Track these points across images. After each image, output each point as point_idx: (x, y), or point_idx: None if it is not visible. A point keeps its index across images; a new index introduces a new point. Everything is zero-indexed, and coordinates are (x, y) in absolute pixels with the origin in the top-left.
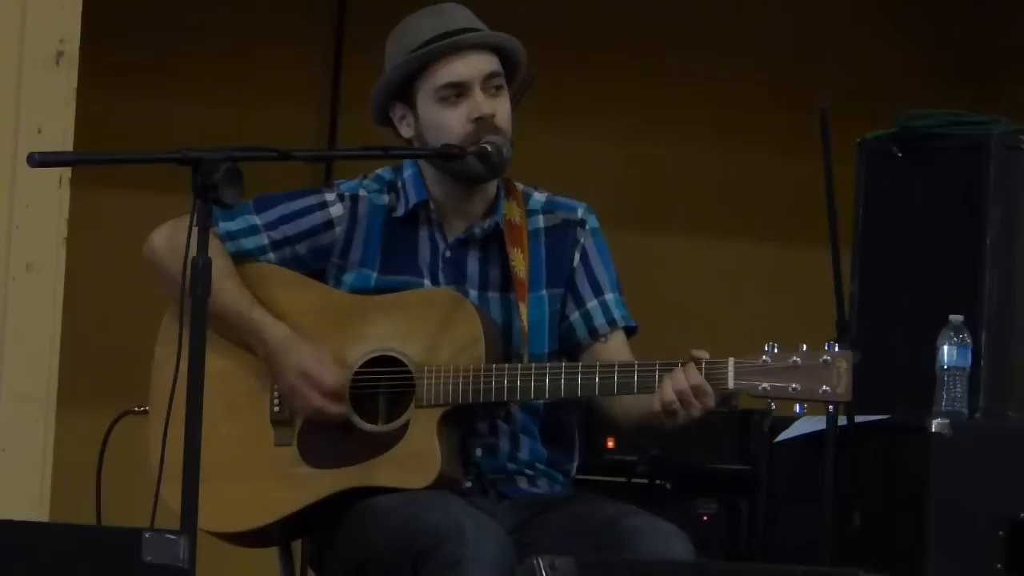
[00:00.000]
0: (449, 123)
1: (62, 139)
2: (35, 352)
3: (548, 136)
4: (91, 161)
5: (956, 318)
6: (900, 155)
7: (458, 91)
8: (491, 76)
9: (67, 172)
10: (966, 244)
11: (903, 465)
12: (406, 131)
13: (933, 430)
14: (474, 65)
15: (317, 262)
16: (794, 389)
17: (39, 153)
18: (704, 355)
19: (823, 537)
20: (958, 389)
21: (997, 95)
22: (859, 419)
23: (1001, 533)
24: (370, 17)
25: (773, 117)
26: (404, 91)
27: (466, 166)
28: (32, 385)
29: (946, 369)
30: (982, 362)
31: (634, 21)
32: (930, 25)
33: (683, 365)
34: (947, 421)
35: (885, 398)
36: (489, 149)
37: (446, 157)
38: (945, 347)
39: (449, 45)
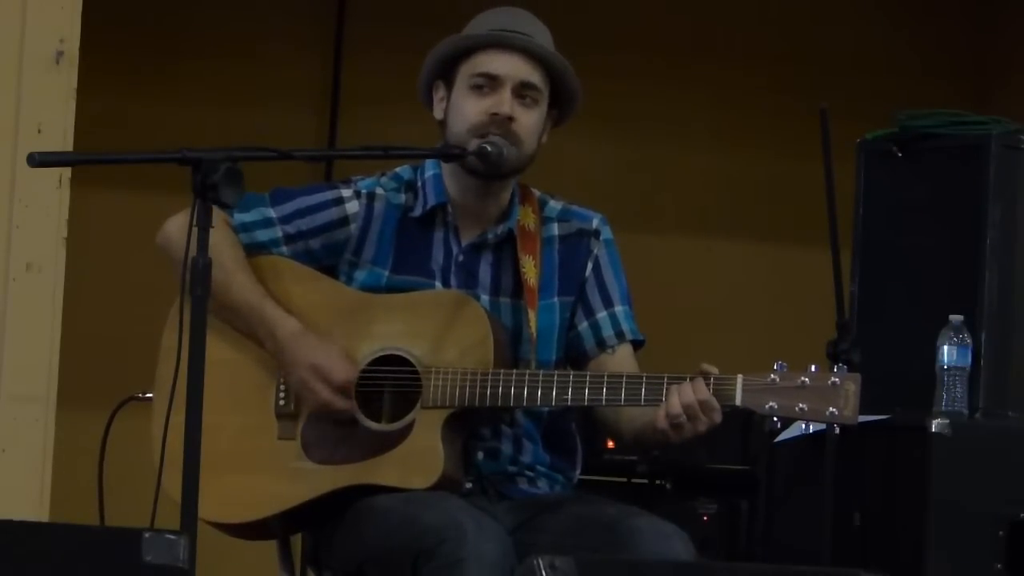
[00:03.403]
0: (469, 110)
1: (62, 139)
2: (35, 352)
3: (547, 136)
4: (91, 161)
5: (956, 318)
6: (900, 155)
7: (491, 84)
8: (527, 85)
9: (67, 172)
10: (966, 244)
11: (903, 465)
12: (439, 112)
13: (933, 430)
14: (514, 66)
15: (330, 258)
16: (801, 409)
17: (39, 153)
18: (713, 370)
19: (823, 537)
20: (958, 389)
21: (996, 95)
22: (859, 419)
23: (1001, 533)
24: (370, 17)
25: (773, 117)
26: (449, 71)
27: (467, 162)
28: (32, 385)
29: (946, 369)
30: (982, 362)
31: (634, 21)
32: (930, 25)
33: (691, 380)
34: (947, 421)
35: (885, 398)
36: (489, 149)
37: (446, 156)
38: (945, 347)
39: (499, 38)
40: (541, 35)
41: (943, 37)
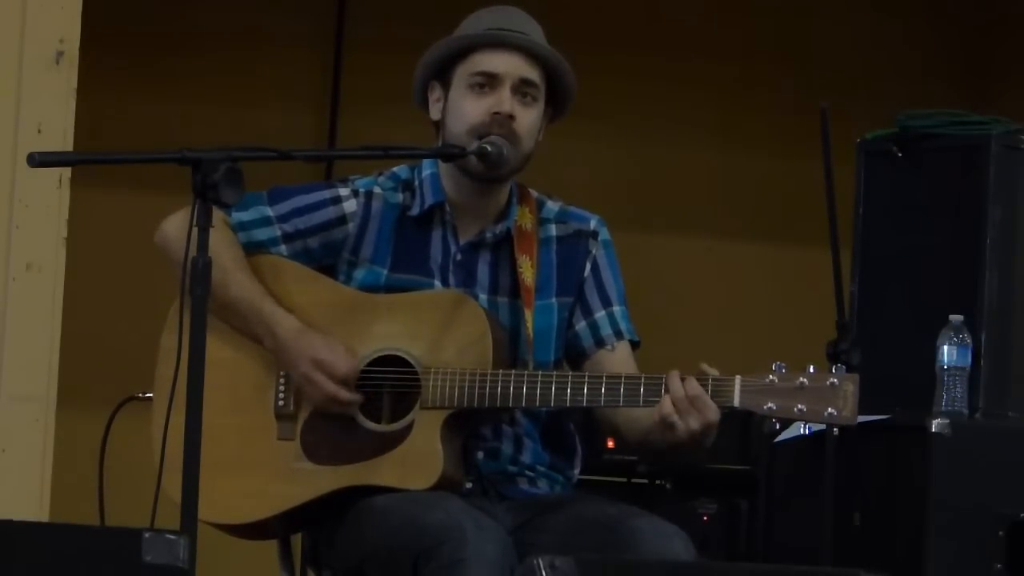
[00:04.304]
0: (470, 110)
1: (62, 139)
2: (35, 352)
3: (547, 136)
4: (91, 161)
5: (956, 318)
6: (900, 155)
7: (490, 82)
8: (526, 82)
9: (67, 172)
10: (966, 244)
11: (903, 465)
12: (435, 113)
13: (933, 430)
14: (513, 64)
15: (328, 257)
16: (799, 410)
17: (39, 153)
18: (713, 371)
19: (823, 537)
20: (958, 389)
21: (996, 95)
22: (859, 419)
23: (1001, 533)
24: (370, 17)
25: (773, 117)
26: (445, 72)
27: (466, 164)
28: (32, 385)
29: (946, 369)
30: (982, 362)
31: (634, 21)
32: (930, 25)
33: (684, 379)
34: (947, 421)
35: (885, 398)
36: (489, 149)
37: (446, 156)
38: (945, 347)
39: (497, 37)
40: (536, 33)
41: (943, 37)
